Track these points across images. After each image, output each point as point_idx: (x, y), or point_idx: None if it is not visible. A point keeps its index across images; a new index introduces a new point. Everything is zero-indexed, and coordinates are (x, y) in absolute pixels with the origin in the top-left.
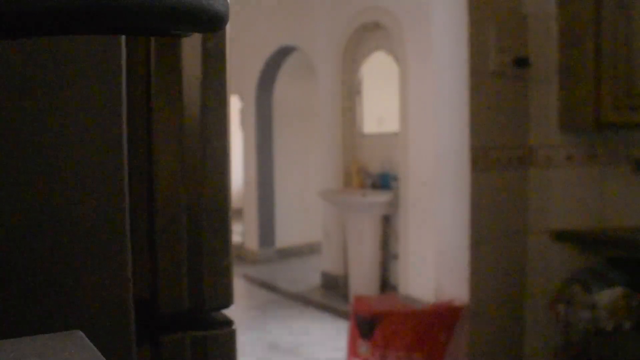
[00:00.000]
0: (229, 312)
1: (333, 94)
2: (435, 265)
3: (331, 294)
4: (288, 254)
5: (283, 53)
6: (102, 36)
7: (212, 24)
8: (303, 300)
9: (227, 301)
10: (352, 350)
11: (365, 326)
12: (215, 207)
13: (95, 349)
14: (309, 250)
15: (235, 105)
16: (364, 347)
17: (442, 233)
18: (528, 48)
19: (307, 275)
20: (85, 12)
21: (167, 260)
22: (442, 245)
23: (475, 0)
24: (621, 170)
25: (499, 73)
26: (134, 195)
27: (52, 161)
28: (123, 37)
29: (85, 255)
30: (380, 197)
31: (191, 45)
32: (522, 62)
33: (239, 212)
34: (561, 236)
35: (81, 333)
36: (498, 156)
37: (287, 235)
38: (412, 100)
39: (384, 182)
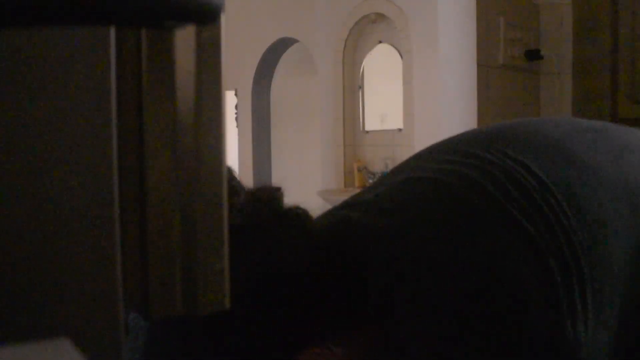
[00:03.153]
0: None
1: (333, 89)
2: None
3: None
4: None
5: (281, 46)
6: (90, 28)
7: (206, 16)
8: None
9: (222, 305)
10: None
11: None
12: (209, 208)
13: (82, 357)
14: None
15: (230, 101)
16: None
17: None
18: (540, 40)
19: None
20: (71, 2)
21: (159, 263)
22: None
23: None
24: None
25: (508, 66)
26: (124, 195)
27: (36, 160)
28: (112, 29)
29: (73, 258)
30: None
31: (184, 38)
32: (533, 55)
33: None
34: None
35: (68, 340)
36: None
37: None
38: (417, 95)
39: None
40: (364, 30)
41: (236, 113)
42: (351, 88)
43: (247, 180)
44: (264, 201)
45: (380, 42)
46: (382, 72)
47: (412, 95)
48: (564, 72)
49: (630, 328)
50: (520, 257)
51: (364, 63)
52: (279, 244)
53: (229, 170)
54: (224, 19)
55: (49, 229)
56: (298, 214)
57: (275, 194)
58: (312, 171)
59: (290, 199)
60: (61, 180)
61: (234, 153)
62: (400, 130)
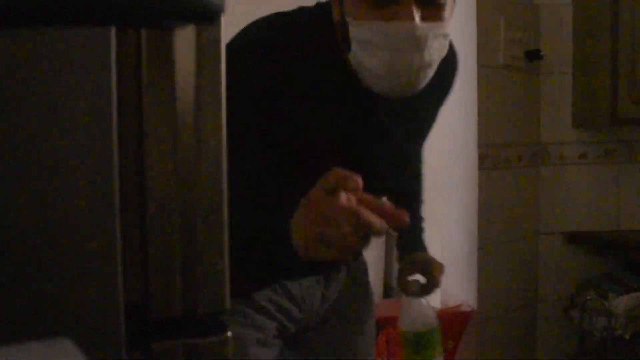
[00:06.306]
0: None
1: None
2: None
3: None
4: None
5: None
6: (91, 27)
7: (207, 16)
8: None
9: (222, 306)
10: None
11: None
12: (210, 208)
13: (84, 356)
14: None
15: None
16: None
17: (448, 234)
18: (540, 40)
19: None
20: (73, 2)
21: (160, 264)
22: (448, 247)
23: None
24: (639, 168)
25: (509, 66)
26: (124, 195)
27: (37, 161)
28: (113, 29)
29: (74, 258)
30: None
31: (184, 38)
32: (533, 55)
33: None
34: (575, 238)
35: (69, 340)
36: (508, 154)
37: None
38: None
39: None
40: None
41: None
42: None
43: None
44: None
45: None
46: None
47: None
48: (563, 71)
49: None
50: None
51: None
52: None
53: None
54: (224, 19)
55: (51, 230)
56: None
57: None
58: None
59: None
60: (62, 181)
61: None
62: None
